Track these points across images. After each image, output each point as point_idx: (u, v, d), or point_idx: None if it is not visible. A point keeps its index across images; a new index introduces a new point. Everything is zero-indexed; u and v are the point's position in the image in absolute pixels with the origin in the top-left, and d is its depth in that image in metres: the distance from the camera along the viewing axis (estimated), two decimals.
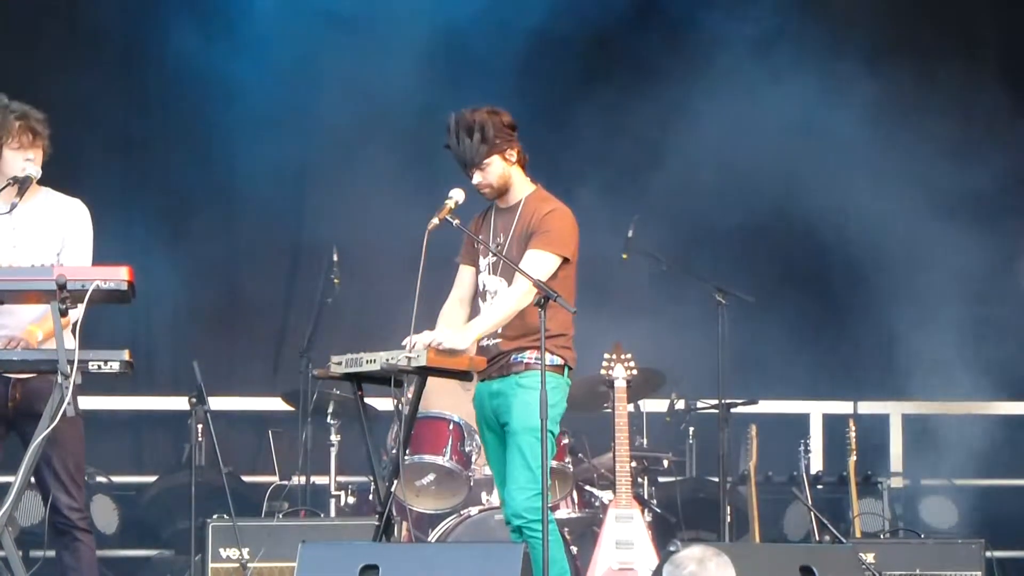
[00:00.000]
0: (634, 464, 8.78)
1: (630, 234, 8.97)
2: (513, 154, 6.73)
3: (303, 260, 10.34)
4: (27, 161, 6.54)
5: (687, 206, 10.21)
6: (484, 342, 6.70)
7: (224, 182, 10.23)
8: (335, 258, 9.52)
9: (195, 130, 10.08)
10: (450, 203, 6.64)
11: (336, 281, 9.49)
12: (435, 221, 6.57)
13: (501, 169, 6.71)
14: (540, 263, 6.57)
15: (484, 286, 6.80)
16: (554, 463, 8.27)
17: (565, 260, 6.66)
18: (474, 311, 6.84)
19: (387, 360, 6.39)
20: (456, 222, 6.62)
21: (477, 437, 8.00)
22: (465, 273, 6.89)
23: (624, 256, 9.02)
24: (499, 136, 6.67)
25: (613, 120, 10.48)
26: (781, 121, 10.11)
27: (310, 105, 10.37)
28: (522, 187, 6.79)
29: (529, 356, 6.64)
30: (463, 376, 6.65)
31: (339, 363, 6.58)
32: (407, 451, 8.11)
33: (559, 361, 6.64)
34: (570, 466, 8.55)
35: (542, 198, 6.78)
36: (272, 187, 10.30)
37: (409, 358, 6.34)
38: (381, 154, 10.17)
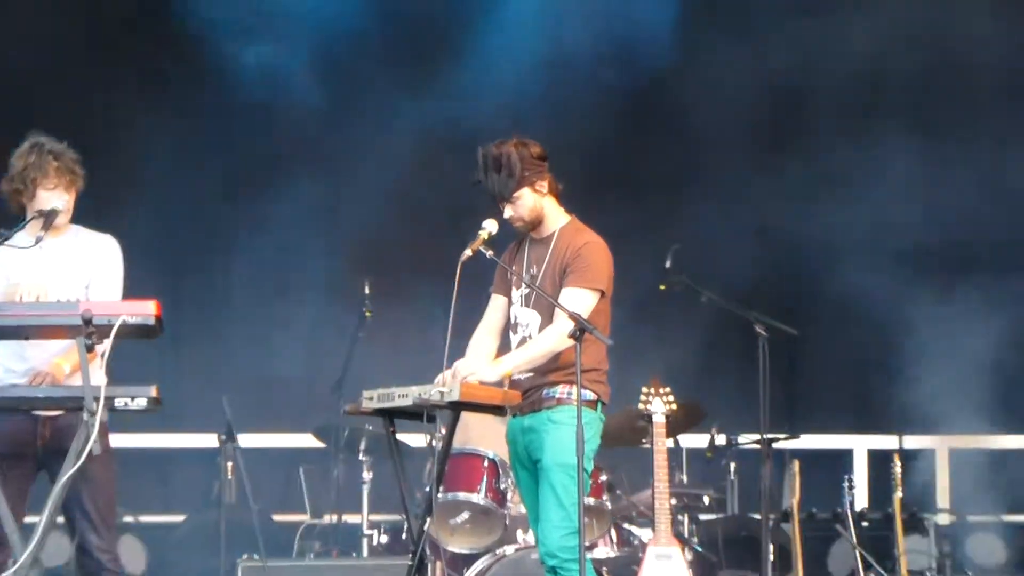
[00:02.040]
0: (674, 501, 8.75)
1: (668, 264, 8.95)
2: (544, 185, 6.73)
3: (335, 293, 10.37)
4: (61, 201, 6.60)
5: (726, 236, 10.20)
6: (515, 376, 6.70)
7: (255, 216, 10.27)
8: (367, 291, 9.52)
9: (223, 163, 10.13)
10: (483, 234, 6.65)
11: (368, 314, 9.49)
12: (468, 252, 6.56)
13: (532, 202, 6.72)
14: (578, 301, 6.57)
15: (516, 318, 6.80)
16: (591, 500, 8.25)
17: (601, 294, 6.67)
18: (504, 343, 6.84)
19: (419, 395, 6.39)
20: (489, 253, 6.62)
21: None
22: (497, 303, 6.89)
23: (662, 287, 9.00)
24: (528, 168, 6.67)
25: (650, 149, 10.52)
26: (826, 147, 10.17)
27: (341, 138, 10.43)
28: (555, 218, 6.80)
29: (561, 391, 6.62)
30: (497, 411, 6.64)
31: (370, 398, 6.58)
32: (441, 488, 8.09)
33: (591, 396, 6.62)
34: (608, 503, 8.52)
35: (576, 229, 6.78)
36: (304, 219, 10.35)
37: (442, 392, 6.33)
38: (413, 185, 10.20)
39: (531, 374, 6.67)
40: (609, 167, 10.49)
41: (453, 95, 10.24)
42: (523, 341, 6.73)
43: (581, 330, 6.38)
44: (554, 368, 6.63)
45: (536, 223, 6.78)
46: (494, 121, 9.78)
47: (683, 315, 9.94)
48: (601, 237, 6.77)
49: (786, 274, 10.50)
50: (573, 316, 6.41)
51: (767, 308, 9.10)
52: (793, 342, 9.66)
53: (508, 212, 6.74)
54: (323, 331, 10.41)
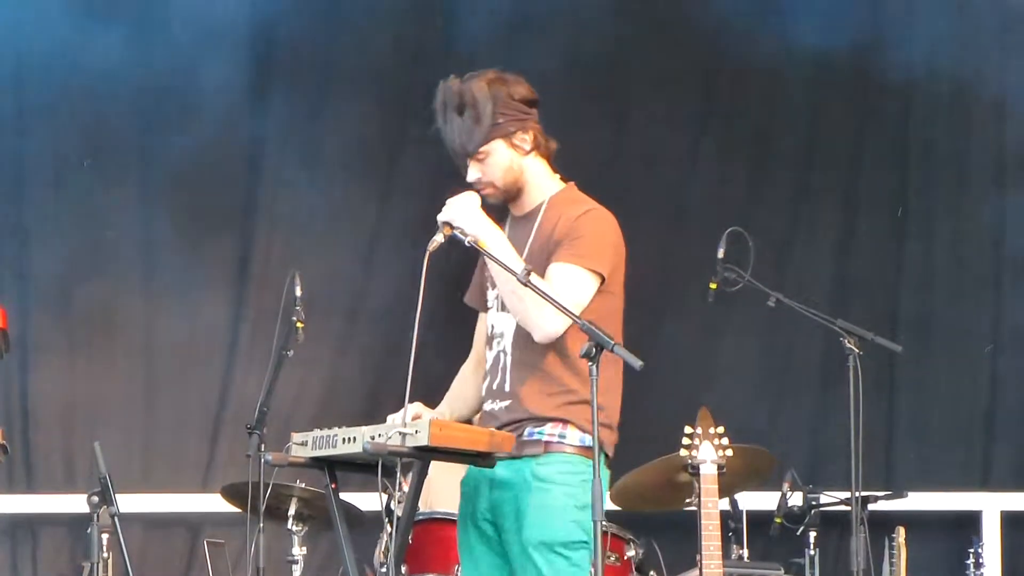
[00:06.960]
0: None
1: (720, 254, 8.96)
2: (527, 139, 6.65)
3: (251, 293, 10.38)
4: None
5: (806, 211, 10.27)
6: (489, 405, 6.68)
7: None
8: (298, 291, 9.52)
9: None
10: None
11: (299, 324, 9.49)
12: (438, 239, 6.53)
13: (508, 160, 6.65)
14: (568, 282, 6.49)
15: (492, 328, 6.75)
16: None
17: (601, 279, 6.57)
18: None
19: (372, 438, 6.40)
20: (469, 239, 6.60)
21: None
22: (481, 322, 6.89)
23: (712, 286, 9.02)
24: (503, 112, 6.62)
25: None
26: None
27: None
28: (543, 185, 6.72)
29: (551, 431, 6.56)
30: (481, 460, 6.64)
31: (303, 443, 6.60)
32: (404, 569, 8.12)
33: (589, 441, 6.48)
34: None
35: (571, 199, 6.70)
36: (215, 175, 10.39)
37: (403, 434, 6.35)
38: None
39: (508, 401, 6.63)
40: None
41: None
42: (498, 358, 6.69)
43: (598, 346, 6.32)
44: (547, 393, 6.57)
45: (514, 193, 6.71)
46: None
47: (742, 325, 9.97)
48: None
49: (887, 275, 10.57)
50: (588, 330, 6.29)
51: (862, 318, 9.14)
52: (897, 364, 9.70)
53: (473, 173, 6.67)
54: (233, 349, 10.43)
